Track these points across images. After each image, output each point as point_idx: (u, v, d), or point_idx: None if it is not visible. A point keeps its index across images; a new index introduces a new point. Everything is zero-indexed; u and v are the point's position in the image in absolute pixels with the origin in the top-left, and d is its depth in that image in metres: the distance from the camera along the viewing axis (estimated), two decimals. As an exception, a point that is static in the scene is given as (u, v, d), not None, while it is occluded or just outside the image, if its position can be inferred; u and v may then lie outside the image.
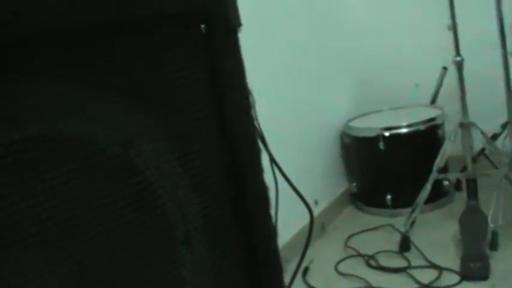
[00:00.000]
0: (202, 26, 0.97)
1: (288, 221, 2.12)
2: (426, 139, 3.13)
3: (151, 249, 0.88)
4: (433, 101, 3.36)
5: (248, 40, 2.54)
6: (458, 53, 2.70)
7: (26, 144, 0.75)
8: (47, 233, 0.78)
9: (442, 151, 2.77)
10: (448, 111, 3.16)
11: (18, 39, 0.73)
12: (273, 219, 1.88)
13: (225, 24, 1.00)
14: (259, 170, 1.12)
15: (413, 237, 2.69)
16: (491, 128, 2.98)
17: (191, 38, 0.97)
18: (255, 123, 1.95)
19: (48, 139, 0.77)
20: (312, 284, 2.54)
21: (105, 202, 0.83)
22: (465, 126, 2.72)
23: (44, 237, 0.78)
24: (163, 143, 0.92)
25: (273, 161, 2.08)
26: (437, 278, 2.39)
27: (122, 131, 0.86)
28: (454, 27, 2.69)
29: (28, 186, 0.76)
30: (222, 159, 1.04)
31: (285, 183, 1.84)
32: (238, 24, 1.04)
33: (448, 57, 2.74)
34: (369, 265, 2.63)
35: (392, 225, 2.95)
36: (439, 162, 2.75)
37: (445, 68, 3.22)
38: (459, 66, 2.70)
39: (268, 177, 1.91)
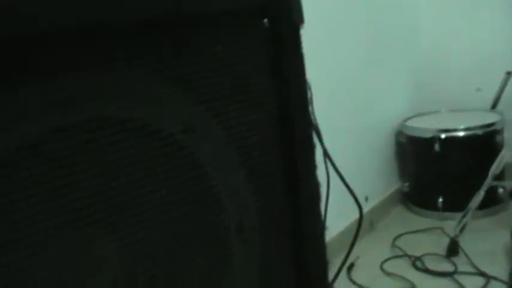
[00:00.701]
0: (265, 20, 0.98)
1: (338, 215, 2.13)
2: (483, 144, 3.07)
3: (204, 235, 0.90)
4: (494, 106, 3.29)
5: (311, 35, 2.55)
6: (523, 59, 2.65)
7: (88, 126, 0.77)
8: (104, 213, 0.81)
9: (499, 158, 2.72)
10: (509, 118, 3.10)
11: (90, 28, 0.76)
12: (323, 213, 1.89)
13: (288, 20, 1.00)
14: (313, 167, 1.13)
15: (463, 243, 2.65)
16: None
17: (255, 32, 0.98)
18: (312, 116, 1.96)
19: (110, 123, 0.80)
20: (356, 280, 2.53)
21: (162, 188, 0.86)
22: (525, 134, 2.67)
23: (100, 217, 0.81)
24: (223, 133, 0.93)
25: (326, 154, 2.09)
26: (484, 286, 2.36)
27: (183, 119, 0.88)
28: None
29: (91, 166, 0.78)
30: (278, 153, 1.05)
31: (337, 178, 1.85)
32: (301, 20, 1.04)
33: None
34: (415, 266, 2.61)
35: (442, 229, 2.92)
36: (495, 169, 2.71)
37: (508, 73, 3.15)
38: (523, 72, 2.66)
39: (320, 170, 1.92)
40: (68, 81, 0.76)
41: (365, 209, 3.00)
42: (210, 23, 0.92)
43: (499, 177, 2.84)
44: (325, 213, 1.94)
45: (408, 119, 3.33)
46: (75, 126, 0.77)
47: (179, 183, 0.88)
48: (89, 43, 0.79)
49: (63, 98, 0.76)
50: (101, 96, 0.80)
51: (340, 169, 2.13)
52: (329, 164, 2.07)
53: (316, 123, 1.96)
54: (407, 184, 3.29)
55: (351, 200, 1.81)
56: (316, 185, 1.14)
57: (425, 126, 3.15)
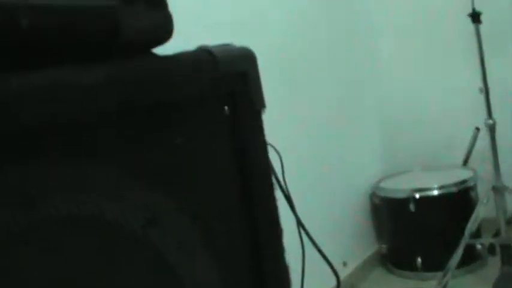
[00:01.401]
0: (226, 107, 0.98)
1: (316, 283, 2.09)
2: (458, 201, 3.08)
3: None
4: (466, 162, 3.33)
5: (276, 97, 2.57)
6: (490, 116, 2.69)
7: (44, 222, 0.75)
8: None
9: (474, 215, 2.73)
10: (481, 172, 3.12)
11: (48, 123, 0.75)
12: (300, 283, 1.86)
13: (249, 106, 1.00)
14: (280, 251, 1.11)
15: (445, 303, 2.63)
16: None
17: (215, 119, 0.97)
18: (283, 185, 1.95)
19: (68, 217, 0.78)
20: None
21: (123, 281, 0.83)
22: (498, 189, 2.69)
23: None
24: (187, 222, 0.91)
25: (299, 223, 2.07)
26: None
27: (145, 212, 0.86)
28: (486, 90, 2.69)
29: (46, 263, 0.76)
30: (244, 239, 1.03)
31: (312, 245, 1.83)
32: (263, 106, 1.04)
33: (481, 118, 2.73)
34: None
35: (422, 290, 2.90)
36: (471, 226, 2.71)
37: (477, 129, 3.20)
38: (491, 129, 2.69)
39: (295, 239, 1.90)
40: (23, 175, 0.75)
41: (344, 274, 2.98)
42: (171, 112, 0.91)
43: (476, 233, 2.84)
44: (302, 283, 1.91)
45: (382, 179, 3.33)
46: (31, 223, 0.75)
47: (142, 278, 0.85)
48: (43, 137, 0.77)
49: (19, 193, 0.75)
50: (58, 192, 0.78)
51: (315, 236, 2.11)
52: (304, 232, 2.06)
53: (288, 192, 1.95)
54: (385, 246, 3.27)
55: (329, 268, 1.79)
56: (284, 270, 1.11)
57: (399, 186, 3.16)
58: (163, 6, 0.91)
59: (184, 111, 0.93)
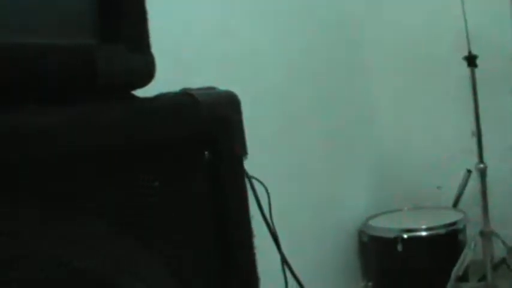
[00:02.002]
0: (206, 152, 0.96)
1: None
2: (446, 243, 3.05)
3: None
4: (456, 204, 3.31)
5: (268, 134, 2.56)
6: (481, 160, 2.68)
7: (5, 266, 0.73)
8: None
9: (461, 259, 2.71)
10: (471, 215, 3.10)
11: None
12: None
13: (230, 153, 0.99)
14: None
15: None
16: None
17: (195, 164, 0.96)
18: (270, 223, 1.93)
19: (32, 264, 0.75)
20: None
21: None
22: (486, 234, 2.67)
23: None
24: (159, 269, 0.89)
25: (285, 262, 2.05)
26: None
27: (116, 258, 0.83)
28: (478, 134, 2.68)
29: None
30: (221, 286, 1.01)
31: (301, 281, 1.81)
32: (244, 152, 1.03)
33: (473, 160, 2.72)
34: None
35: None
36: (457, 270, 2.68)
37: (469, 171, 3.19)
38: (482, 173, 2.68)
39: (280, 277, 1.88)
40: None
41: (329, 311, 2.95)
42: (149, 155, 0.89)
43: (462, 277, 2.81)
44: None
45: (370, 218, 3.31)
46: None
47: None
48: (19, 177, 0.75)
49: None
50: (27, 237, 0.76)
51: (301, 274, 2.10)
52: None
53: (274, 229, 1.94)
54: (370, 284, 3.24)
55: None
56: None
57: (388, 226, 3.13)
58: (145, 47, 0.90)
59: (164, 155, 0.91)
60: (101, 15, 0.85)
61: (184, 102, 0.94)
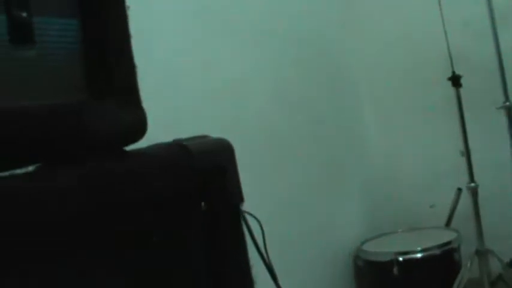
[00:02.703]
0: (203, 203, 0.95)
1: None
2: (442, 263, 3.04)
3: None
4: (448, 223, 3.30)
5: (255, 166, 2.55)
6: (472, 179, 2.68)
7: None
8: None
9: (458, 278, 2.70)
10: (464, 233, 3.09)
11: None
12: None
13: (226, 202, 0.98)
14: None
15: None
16: (509, 251, 2.90)
17: (191, 215, 0.94)
18: (265, 256, 1.92)
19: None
20: None
21: None
22: (481, 253, 2.66)
23: None
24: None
25: (282, 295, 2.03)
26: None
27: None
28: (467, 153, 2.69)
29: None
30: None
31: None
32: (240, 200, 1.02)
33: (463, 178, 2.72)
34: None
35: None
36: (455, 291, 2.67)
37: (459, 190, 3.18)
38: (474, 192, 2.68)
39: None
40: None
41: None
42: (145, 210, 0.88)
43: (461, 296, 2.80)
44: None
45: (365, 242, 3.29)
46: None
47: None
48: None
49: None
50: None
51: (298, 304, 2.07)
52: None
53: (270, 262, 1.92)
54: (369, 309, 3.22)
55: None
56: None
57: (383, 249, 3.11)
58: (136, 102, 0.89)
59: (159, 208, 0.90)
60: (90, 73, 0.84)
61: (177, 154, 0.93)
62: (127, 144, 0.89)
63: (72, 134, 0.83)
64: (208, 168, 0.95)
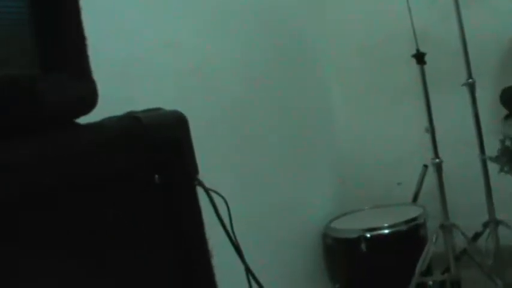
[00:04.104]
0: (157, 176, 0.96)
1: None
2: (408, 239, 3.09)
3: None
4: (415, 199, 3.35)
5: (221, 138, 2.56)
6: (436, 155, 2.73)
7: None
8: None
9: (424, 254, 2.75)
10: (430, 209, 3.14)
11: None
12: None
13: (180, 174, 0.98)
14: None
15: None
16: (474, 226, 2.95)
17: (146, 188, 0.95)
18: (231, 233, 1.93)
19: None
20: None
21: None
22: (446, 228, 2.71)
23: None
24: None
25: (248, 271, 2.05)
26: None
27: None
28: (431, 130, 2.73)
29: None
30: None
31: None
32: (195, 172, 1.02)
33: (430, 155, 2.76)
34: None
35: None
36: (421, 264, 2.72)
37: (425, 166, 3.23)
38: (438, 168, 2.72)
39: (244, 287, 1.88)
40: None
41: (297, 316, 2.96)
42: (98, 184, 0.88)
43: (427, 271, 2.85)
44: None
45: (333, 219, 3.33)
46: None
47: None
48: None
49: None
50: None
51: (266, 281, 2.09)
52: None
53: (236, 240, 1.93)
54: (338, 286, 3.25)
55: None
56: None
57: (351, 226, 3.16)
58: (87, 75, 0.89)
59: (113, 181, 0.91)
60: (42, 45, 0.84)
61: (130, 126, 0.93)
62: (78, 116, 0.90)
63: (24, 106, 0.83)
64: (162, 139, 0.95)
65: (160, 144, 0.95)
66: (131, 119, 0.94)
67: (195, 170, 1.01)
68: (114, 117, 0.95)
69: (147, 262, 0.96)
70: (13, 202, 0.78)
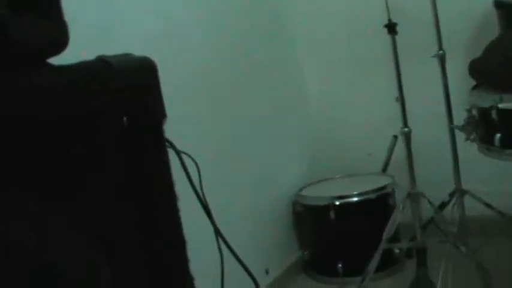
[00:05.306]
0: (125, 118, 0.97)
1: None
2: (377, 207, 3.15)
3: None
4: (385, 169, 3.41)
5: (197, 108, 2.58)
6: (406, 124, 2.77)
7: None
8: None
9: (391, 221, 2.80)
10: (399, 179, 3.19)
11: None
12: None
13: (148, 117, 1.00)
14: (183, 263, 1.10)
15: (364, 307, 2.67)
16: (440, 195, 3.01)
17: (113, 130, 0.96)
18: (201, 194, 1.95)
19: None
20: None
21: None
22: (413, 196, 2.76)
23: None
24: (82, 237, 0.90)
25: (218, 232, 2.08)
26: None
27: (37, 226, 0.84)
28: (401, 99, 2.77)
29: None
30: (145, 252, 1.02)
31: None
32: (163, 115, 1.04)
33: (399, 126, 2.80)
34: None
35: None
36: (388, 231, 2.77)
37: (395, 137, 3.28)
38: (407, 137, 2.76)
39: (214, 249, 1.91)
40: None
41: (267, 282, 3.00)
42: (66, 124, 0.89)
43: (394, 238, 2.90)
44: (221, 293, 1.91)
45: (303, 188, 3.37)
46: None
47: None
48: None
49: None
50: None
51: (236, 245, 2.13)
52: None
53: (206, 201, 1.96)
54: (307, 253, 3.31)
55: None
56: (189, 281, 1.11)
57: (320, 194, 3.21)
58: (58, 15, 0.90)
59: (81, 122, 0.92)
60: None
61: (100, 68, 0.95)
62: (49, 57, 0.91)
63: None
64: (131, 83, 0.97)
65: (130, 87, 0.97)
66: (101, 62, 0.96)
67: (163, 114, 1.03)
68: (85, 61, 0.96)
69: (112, 207, 0.97)
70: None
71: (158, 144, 1.02)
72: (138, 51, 2.27)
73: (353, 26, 3.49)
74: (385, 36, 2.77)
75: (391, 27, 2.75)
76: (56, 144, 0.89)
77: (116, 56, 0.99)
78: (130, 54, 1.03)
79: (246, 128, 3.01)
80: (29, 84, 0.86)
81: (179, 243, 1.08)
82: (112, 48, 2.10)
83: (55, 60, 0.96)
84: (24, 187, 0.83)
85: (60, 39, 0.91)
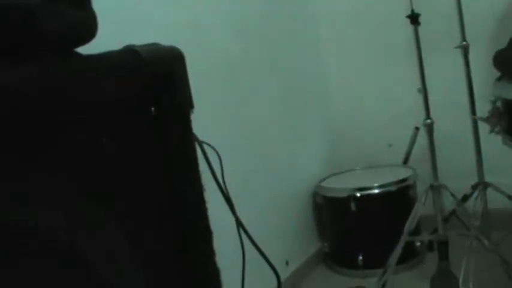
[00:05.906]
0: (153, 108, 0.96)
1: (258, 283, 2.10)
2: (398, 200, 3.13)
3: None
4: (406, 161, 3.38)
5: (219, 98, 2.57)
6: (428, 116, 2.74)
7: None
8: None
9: (412, 213, 2.78)
10: (421, 171, 3.18)
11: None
12: (240, 283, 1.86)
13: (176, 107, 0.99)
14: (209, 254, 1.10)
15: (385, 299, 2.66)
16: (463, 188, 2.99)
17: (141, 120, 0.96)
18: (223, 186, 1.95)
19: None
20: None
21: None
22: (435, 188, 2.74)
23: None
24: (111, 226, 0.90)
25: (239, 224, 2.07)
26: None
27: (68, 216, 0.84)
28: (424, 90, 2.74)
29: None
30: (173, 244, 1.02)
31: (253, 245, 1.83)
32: (190, 106, 1.03)
33: (421, 117, 2.78)
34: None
35: (363, 287, 2.92)
36: (409, 224, 2.75)
37: (417, 128, 3.26)
38: (429, 128, 2.74)
39: (236, 240, 1.91)
40: None
41: (287, 273, 3.00)
42: (95, 113, 0.89)
43: (415, 231, 2.88)
44: (243, 284, 1.91)
45: (324, 179, 3.36)
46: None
47: (68, 284, 0.83)
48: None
49: None
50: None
51: (257, 236, 2.12)
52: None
53: (228, 193, 1.95)
54: (326, 244, 3.30)
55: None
56: (215, 272, 1.10)
57: (341, 186, 3.19)
58: (87, 4, 0.90)
59: (109, 112, 0.92)
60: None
61: (128, 58, 0.94)
62: (78, 45, 0.91)
63: (24, 33, 0.83)
64: (159, 73, 0.96)
65: (157, 77, 0.96)
66: (130, 52, 0.95)
67: (190, 104, 1.02)
68: (113, 51, 0.96)
69: (140, 198, 0.97)
70: (5, 126, 0.78)
71: (186, 135, 1.02)
72: (162, 40, 2.27)
73: (375, 16, 3.46)
74: (408, 27, 2.75)
75: (414, 18, 2.72)
76: (85, 134, 0.89)
77: (144, 46, 0.98)
78: (158, 44, 1.02)
79: (266, 119, 3.00)
80: (58, 73, 0.85)
81: (206, 235, 1.07)
82: (137, 39, 2.12)
83: (83, 50, 0.95)
84: (59, 177, 0.83)
85: (89, 29, 0.90)
